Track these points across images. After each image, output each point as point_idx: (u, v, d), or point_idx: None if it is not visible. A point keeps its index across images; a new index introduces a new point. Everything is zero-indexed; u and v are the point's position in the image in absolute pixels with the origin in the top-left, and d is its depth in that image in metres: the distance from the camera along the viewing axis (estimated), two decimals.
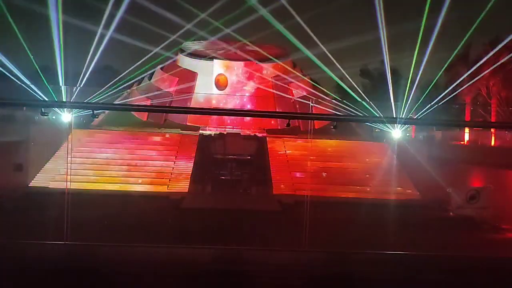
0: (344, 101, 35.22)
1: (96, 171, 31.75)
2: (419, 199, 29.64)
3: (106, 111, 38.59)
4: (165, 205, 26.38)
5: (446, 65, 32.80)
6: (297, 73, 42.84)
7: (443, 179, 26.96)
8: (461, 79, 31.95)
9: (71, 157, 24.23)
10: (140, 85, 43.49)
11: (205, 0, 35.05)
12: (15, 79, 26.40)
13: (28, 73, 28.83)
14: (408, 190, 30.47)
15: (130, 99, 40.96)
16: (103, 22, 29.79)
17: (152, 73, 44.42)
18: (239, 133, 37.66)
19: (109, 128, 37.65)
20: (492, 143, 33.91)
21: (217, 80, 42.41)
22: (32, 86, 23.94)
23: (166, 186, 31.31)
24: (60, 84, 29.44)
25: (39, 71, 29.75)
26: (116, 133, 36.67)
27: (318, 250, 15.70)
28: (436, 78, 33.72)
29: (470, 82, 32.54)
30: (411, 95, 30.38)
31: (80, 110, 25.11)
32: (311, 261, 14.75)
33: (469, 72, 31.71)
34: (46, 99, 23.92)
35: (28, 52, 28.23)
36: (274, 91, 41.43)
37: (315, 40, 31.71)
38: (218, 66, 42.66)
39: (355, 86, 37.91)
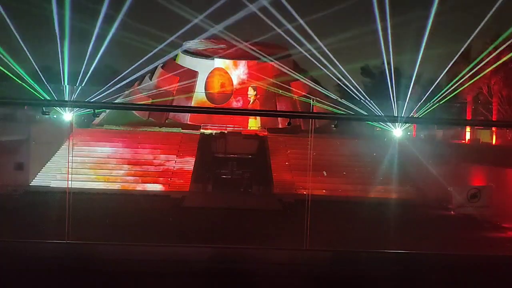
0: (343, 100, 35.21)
1: (97, 170, 31.78)
2: (420, 198, 29.61)
3: (107, 110, 38.63)
4: (166, 203, 26.39)
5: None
6: (298, 72, 42.84)
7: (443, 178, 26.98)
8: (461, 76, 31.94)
9: (72, 156, 24.24)
10: (141, 84, 43.55)
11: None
12: (16, 79, 26.48)
13: (29, 72, 28.93)
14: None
15: (131, 98, 41.03)
16: (102, 21, 29.88)
17: (153, 72, 44.47)
18: (240, 132, 37.66)
19: (110, 127, 37.70)
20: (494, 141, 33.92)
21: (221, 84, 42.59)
22: (35, 85, 23.99)
23: (167, 185, 31.34)
24: (62, 83, 29.53)
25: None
26: (117, 132, 36.69)
27: (319, 249, 15.68)
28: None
29: (472, 81, 32.47)
30: (409, 94, 30.44)
31: (81, 109, 25.15)
32: (312, 260, 14.72)
33: (468, 69, 31.65)
34: (47, 98, 24.00)
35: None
36: (275, 90, 41.46)
37: (315, 39, 31.78)
38: (218, 65, 42.77)
39: (356, 85, 37.88)
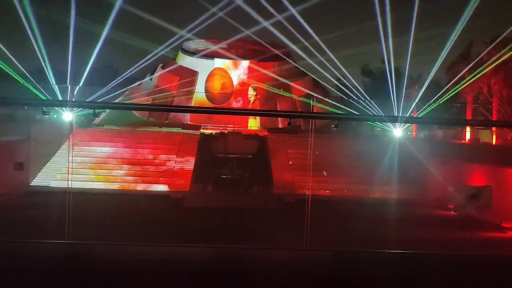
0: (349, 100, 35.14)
1: (97, 170, 31.79)
2: (420, 198, 29.61)
3: (107, 110, 38.61)
4: (166, 203, 26.39)
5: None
6: (299, 72, 42.84)
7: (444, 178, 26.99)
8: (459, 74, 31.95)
9: (72, 156, 24.25)
10: (141, 84, 43.53)
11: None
12: (16, 78, 26.47)
13: (29, 72, 28.92)
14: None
15: (131, 98, 41.03)
16: (103, 21, 29.87)
17: (153, 72, 44.45)
18: (240, 132, 37.66)
19: (110, 127, 37.70)
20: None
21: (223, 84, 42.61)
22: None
23: (167, 185, 31.33)
24: (61, 83, 29.50)
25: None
26: (117, 132, 36.68)
27: (319, 249, 15.69)
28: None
29: (471, 80, 32.45)
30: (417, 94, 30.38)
31: (81, 109, 25.15)
32: (312, 260, 14.72)
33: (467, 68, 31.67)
34: (48, 98, 24.00)
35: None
36: (276, 90, 41.48)
37: (316, 38, 31.75)
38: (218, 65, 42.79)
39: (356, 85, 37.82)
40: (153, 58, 36.99)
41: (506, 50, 29.15)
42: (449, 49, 28.93)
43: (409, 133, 39.13)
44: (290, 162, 33.15)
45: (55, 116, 30.67)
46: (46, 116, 16.65)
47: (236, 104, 42.54)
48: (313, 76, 43.62)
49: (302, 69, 44.33)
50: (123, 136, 35.71)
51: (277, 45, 43.45)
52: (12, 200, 25.76)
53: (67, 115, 26.13)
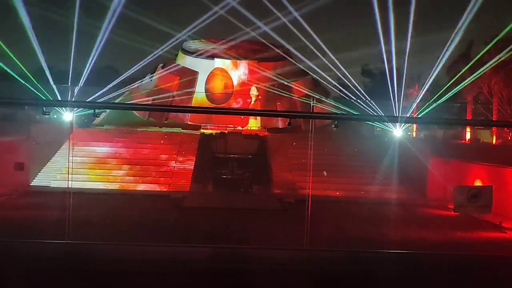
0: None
1: (97, 170, 31.78)
2: (420, 197, 29.59)
3: (107, 110, 38.63)
4: (166, 204, 26.38)
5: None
6: (299, 72, 42.83)
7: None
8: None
9: (72, 156, 24.24)
10: (141, 84, 43.55)
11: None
12: (17, 78, 26.49)
13: (29, 72, 28.95)
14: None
15: (131, 98, 41.04)
16: (103, 21, 29.90)
17: (153, 72, 44.47)
18: (240, 132, 37.65)
19: (110, 127, 37.70)
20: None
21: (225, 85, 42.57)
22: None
23: (168, 185, 31.32)
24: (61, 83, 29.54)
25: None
26: (117, 132, 36.68)
27: (319, 249, 15.69)
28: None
29: (471, 80, 32.46)
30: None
31: (82, 109, 25.15)
32: (312, 260, 14.75)
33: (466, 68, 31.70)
34: (48, 98, 24.02)
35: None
36: (275, 90, 41.46)
37: (315, 38, 31.81)
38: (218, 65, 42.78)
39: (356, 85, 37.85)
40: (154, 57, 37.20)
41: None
42: (449, 49, 28.99)
43: (409, 133, 39.13)
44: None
45: (55, 116, 30.68)
46: (46, 116, 16.64)
47: (236, 104, 42.52)
48: (313, 76, 43.68)
49: (303, 68, 44.33)
50: (123, 136, 35.70)
51: (277, 44, 43.49)
52: (13, 200, 25.77)
53: (67, 115, 26.13)
